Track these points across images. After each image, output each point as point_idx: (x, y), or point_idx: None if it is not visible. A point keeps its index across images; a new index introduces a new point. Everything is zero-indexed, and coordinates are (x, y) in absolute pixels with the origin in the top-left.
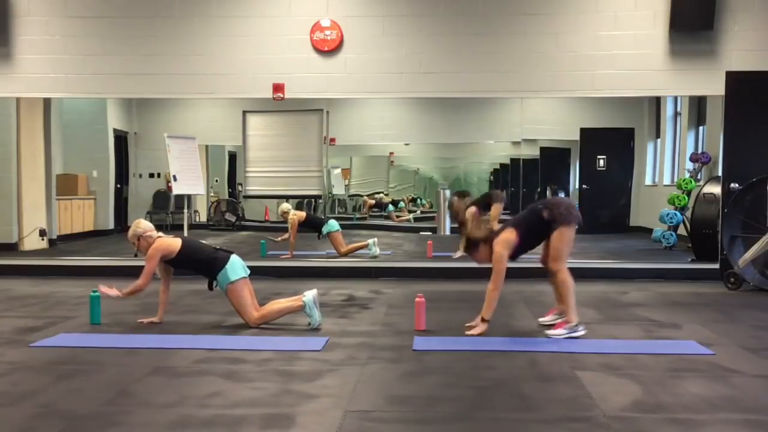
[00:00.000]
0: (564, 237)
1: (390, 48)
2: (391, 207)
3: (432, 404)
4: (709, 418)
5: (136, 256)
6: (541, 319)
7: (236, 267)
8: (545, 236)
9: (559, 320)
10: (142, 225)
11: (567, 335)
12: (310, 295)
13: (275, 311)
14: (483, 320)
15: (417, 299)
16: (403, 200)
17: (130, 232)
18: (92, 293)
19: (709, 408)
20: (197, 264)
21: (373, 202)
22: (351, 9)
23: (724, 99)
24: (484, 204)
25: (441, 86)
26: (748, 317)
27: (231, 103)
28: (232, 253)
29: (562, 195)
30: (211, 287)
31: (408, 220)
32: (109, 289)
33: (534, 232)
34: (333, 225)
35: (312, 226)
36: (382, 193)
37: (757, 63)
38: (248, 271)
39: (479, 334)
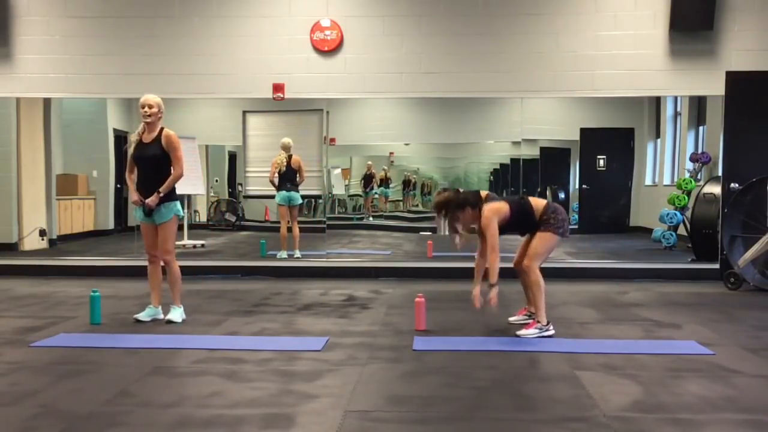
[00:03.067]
0: (548, 241)
1: (390, 48)
2: (384, 190)
3: (432, 404)
4: (709, 418)
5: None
6: (510, 319)
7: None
8: (528, 230)
9: (530, 320)
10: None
11: (537, 335)
12: (179, 316)
13: (176, 282)
14: (492, 285)
15: (417, 299)
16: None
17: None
18: (92, 293)
19: (709, 408)
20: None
21: (370, 163)
22: (351, 9)
23: (724, 99)
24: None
25: (441, 86)
26: (748, 317)
27: (231, 103)
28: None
29: (562, 196)
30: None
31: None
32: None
33: (522, 219)
34: (296, 198)
35: (289, 179)
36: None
37: (757, 63)
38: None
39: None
